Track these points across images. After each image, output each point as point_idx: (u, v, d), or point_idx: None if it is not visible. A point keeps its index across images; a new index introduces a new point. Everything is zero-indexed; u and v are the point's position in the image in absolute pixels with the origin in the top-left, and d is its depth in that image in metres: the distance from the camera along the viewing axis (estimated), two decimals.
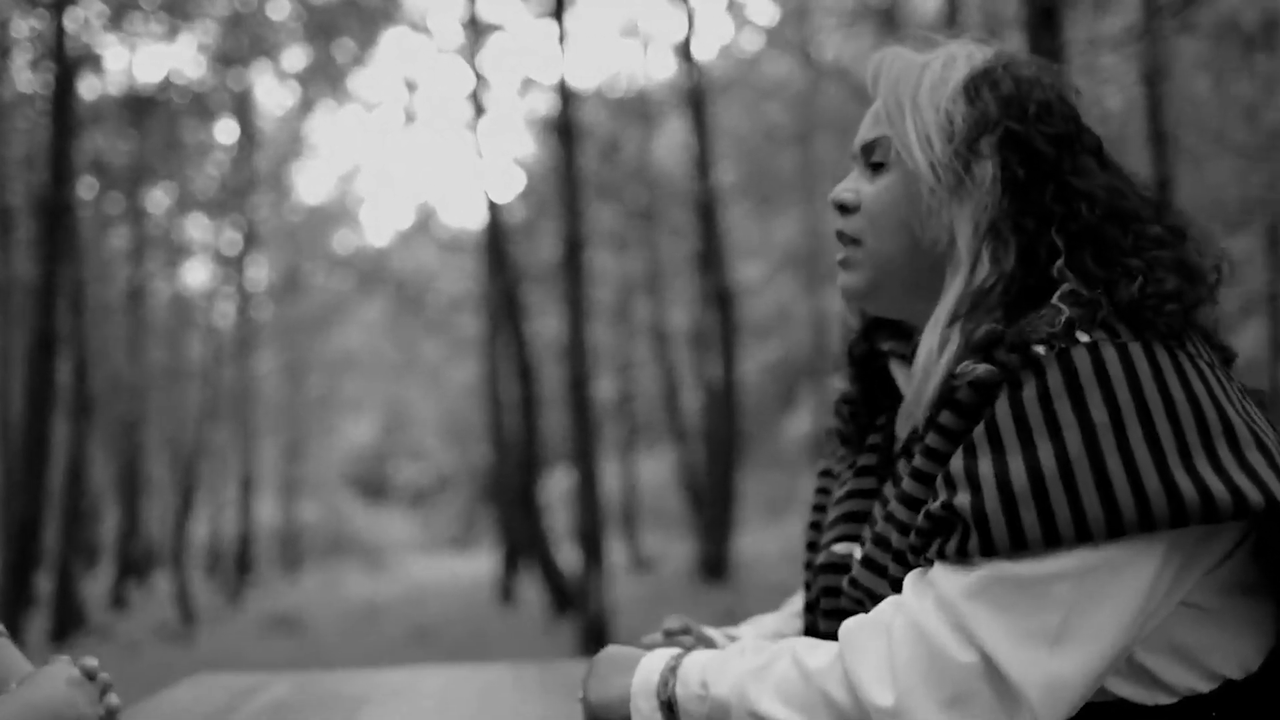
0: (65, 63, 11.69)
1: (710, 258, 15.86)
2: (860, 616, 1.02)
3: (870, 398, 1.34)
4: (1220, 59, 10.76)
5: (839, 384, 1.38)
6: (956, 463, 0.98)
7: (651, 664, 1.11)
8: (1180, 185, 9.63)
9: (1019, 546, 0.93)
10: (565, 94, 11.07)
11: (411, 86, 19.02)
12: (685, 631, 1.29)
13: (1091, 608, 0.92)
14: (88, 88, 15.18)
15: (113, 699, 1.24)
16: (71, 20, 12.30)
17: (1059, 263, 1.05)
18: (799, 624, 1.38)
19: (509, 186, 27.03)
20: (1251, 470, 0.93)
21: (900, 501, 1.08)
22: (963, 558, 0.95)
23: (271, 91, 25.64)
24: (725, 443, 16.23)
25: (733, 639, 1.35)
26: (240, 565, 20.74)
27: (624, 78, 20.19)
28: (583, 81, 18.85)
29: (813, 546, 1.32)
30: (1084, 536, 0.91)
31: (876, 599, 1.07)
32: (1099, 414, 0.93)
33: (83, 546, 17.67)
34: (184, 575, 15.56)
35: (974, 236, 1.08)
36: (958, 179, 1.09)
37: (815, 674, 0.99)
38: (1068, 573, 0.92)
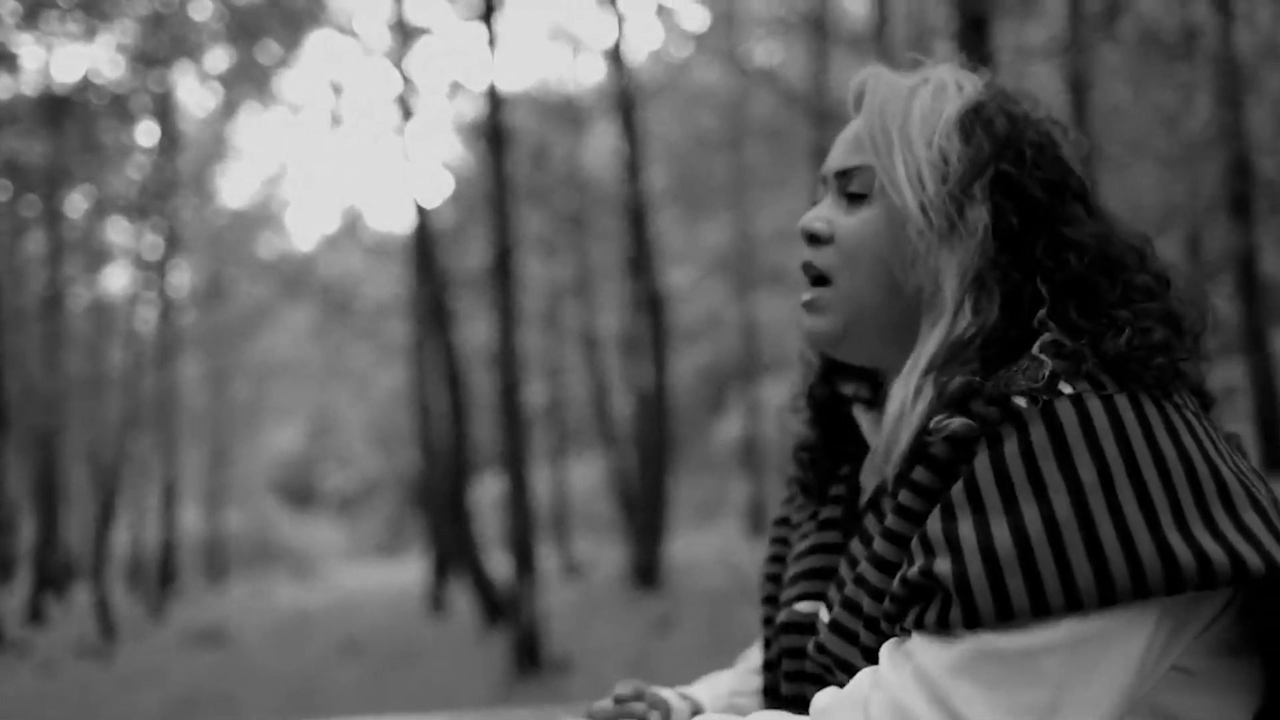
0: None
1: (640, 263, 15.82)
2: (834, 692, 0.96)
3: (832, 445, 1.27)
4: (1142, 69, 10.96)
5: (797, 429, 1.30)
6: (934, 525, 0.92)
7: None
8: (1103, 193, 9.76)
9: (1005, 617, 0.86)
10: (494, 98, 10.97)
11: (338, 89, 18.84)
12: (637, 697, 1.21)
13: (1083, 682, 0.86)
14: (2, 87, 14.86)
15: None
16: None
17: (1041, 313, 0.99)
18: (756, 681, 1.32)
19: (438, 191, 26.87)
20: (1249, 532, 0.88)
21: (871, 563, 1.01)
22: (944, 629, 0.89)
23: (194, 93, 25.27)
24: (656, 447, 16.21)
25: (686, 698, 1.28)
26: (163, 576, 20.37)
27: (554, 82, 20.15)
28: (512, 86, 18.77)
29: (771, 601, 1.25)
30: (1074, 605, 0.85)
31: (846, 667, 1.02)
32: (1087, 472, 0.88)
33: None
34: (104, 587, 15.21)
35: (959, 286, 1.01)
36: (949, 223, 1.02)
37: None
38: (1058, 645, 0.86)
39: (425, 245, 15.43)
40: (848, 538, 1.17)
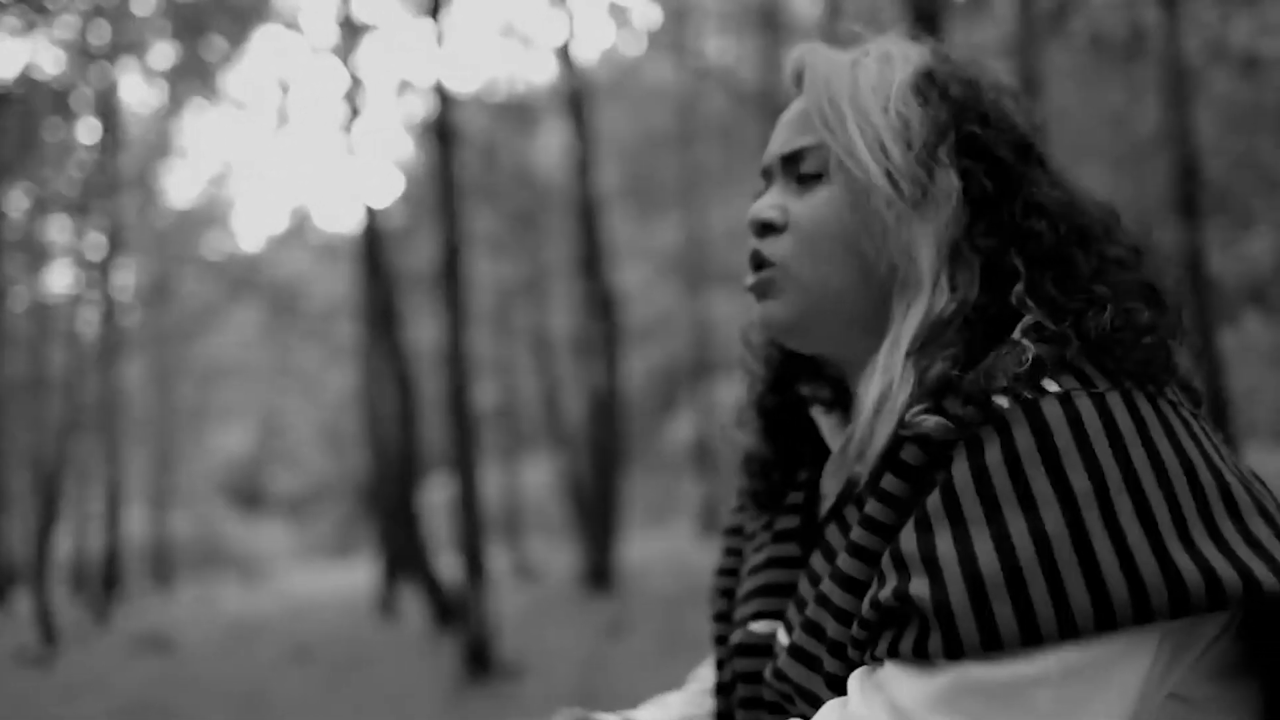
0: None
1: (591, 262, 15.71)
2: None
3: (786, 452, 1.17)
4: (1091, 69, 11.03)
5: (743, 441, 1.19)
6: (908, 540, 0.82)
7: None
8: None
9: (991, 647, 0.77)
10: (443, 96, 10.83)
11: (284, 86, 18.60)
12: None
13: (1077, 715, 0.77)
14: None
15: None
16: None
17: (1019, 288, 0.91)
18: (708, 703, 1.22)
19: (386, 191, 26.64)
20: (1258, 544, 0.79)
21: (836, 582, 0.92)
22: (921, 658, 0.79)
23: (137, 89, 24.90)
24: (608, 448, 16.11)
25: None
26: (107, 581, 19.96)
27: (503, 80, 20.02)
28: (461, 84, 18.63)
29: (724, 618, 1.15)
30: (1068, 632, 0.76)
31: (808, 696, 0.93)
32: (1080, 482, 0.78)
33: None
34: (46, 594, 14.89)
35: (936, 258, 0.93)
36: (921, 189, 0.94)
37: None
38: (1049, 676, 0.77)
39: (374, 245, 15.24)
40: (807, 550, 1.08)
